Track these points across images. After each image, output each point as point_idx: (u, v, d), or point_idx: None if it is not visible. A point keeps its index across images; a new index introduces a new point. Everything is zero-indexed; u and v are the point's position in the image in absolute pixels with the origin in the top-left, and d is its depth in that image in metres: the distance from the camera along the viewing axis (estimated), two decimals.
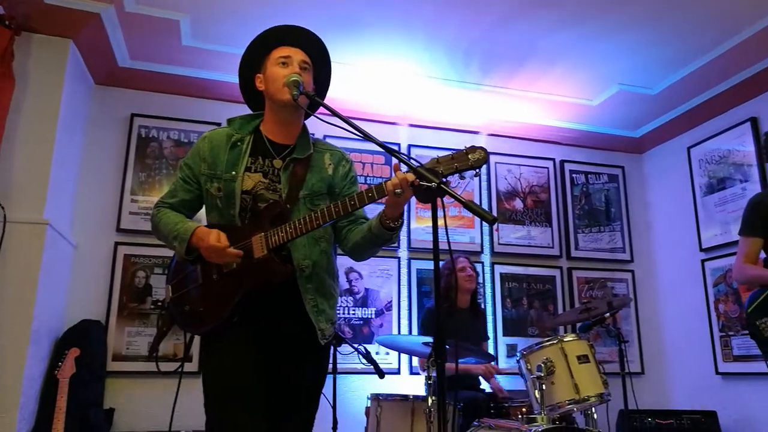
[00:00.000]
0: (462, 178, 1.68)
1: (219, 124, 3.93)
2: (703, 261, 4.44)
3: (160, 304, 2.03)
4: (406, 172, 1.71)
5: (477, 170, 1.66)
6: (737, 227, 4.12)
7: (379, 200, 1.77)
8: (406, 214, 4.45)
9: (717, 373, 4.23)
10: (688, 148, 4.65)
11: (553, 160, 4.96)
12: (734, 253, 4.12)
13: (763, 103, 4.08)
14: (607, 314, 3.27)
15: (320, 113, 1.94)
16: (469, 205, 1.51)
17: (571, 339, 2.79)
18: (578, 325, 3.64)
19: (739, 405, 4.03)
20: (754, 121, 4.12)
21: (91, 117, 3.97)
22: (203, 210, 2.06)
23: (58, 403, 3.01)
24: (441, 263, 3.69)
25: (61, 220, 3.49)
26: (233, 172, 1.93)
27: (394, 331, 4.22)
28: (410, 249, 4.42)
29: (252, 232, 1.85)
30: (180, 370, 2.01)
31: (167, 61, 3.98)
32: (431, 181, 1.58)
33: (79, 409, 3.26)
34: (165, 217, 1.99)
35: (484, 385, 3.79)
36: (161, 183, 3.98)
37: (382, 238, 1.87)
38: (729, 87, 4.17)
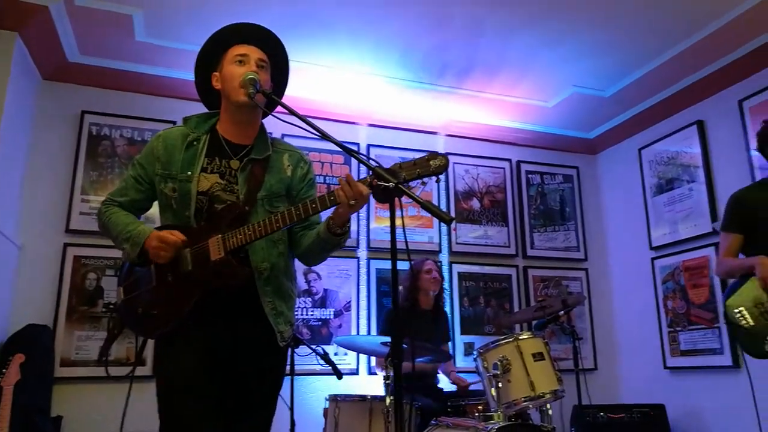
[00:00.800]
0: (423, 184, 1.70)
1: (174, 123, 3.85)
2: (653, 259, 4.58)
3: (111, 306, 1.97)
4: (365, 176, 1.73)
5: (438, 176, 1.69)
6: (685, 226, 4.31)
7: None
8: (365, 214, 4.45)
9: (665, 367, 4.38)
10: (639, 150, 4.80)
11: (510, 160, 5.04)
12: (682, 251, 4.32)
13: (709, 107, 4.23)
14: (562, 312, 3.34)
15: (279, 112, 1.92)
16: (426, 206, 1.52)
17: (527, 337, 2.84)
18: (534, 323, 3.70)
19: (686, 398, 4.18)
20: (700, 124, 4.27)
21: (38, 113, 3.82)
22: (155, 209, 2.01)
23: (2, 411, 2.88)
24: (407, 263, 3.77)
25: (5, 221, 3.35)
26: (189, 173, 1.89)
27: (353, 331, 4.21)
28: (369, 249, 4.42)
29: (208, 233, 1.82)
30: (131, 374, 1.96)
31: (120, 57, 3.87)
32: (389, 182, 1.59)
33: (24, 418, 3.13)
34: (115, 216, 1.94)
35: (442, 384, 3.83)
36: (114, 182, 3.86)
37: (330, 243, 1.88)
38: (677, 91, 4.32)
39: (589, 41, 3.81)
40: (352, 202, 1.72)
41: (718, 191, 4.09)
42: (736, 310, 2.68)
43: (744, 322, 2.65)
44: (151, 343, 1.95)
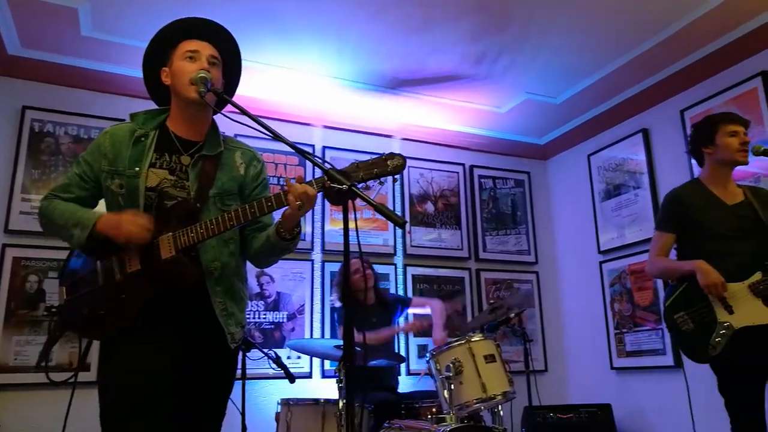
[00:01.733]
0: (381, 183, 1.71)
1: (123, 120, 3.72)
2: (600, 263, 4.71)
3: (54, 309, 1.90)
4: (319, 177, 1.72)
5: (395, 176, 1.71)
6: (631, 231, 4.45)
7: None
8: (320, 216, 4.42)
9: (612, 368, 4.51)
10: (588, 156, 4.93)
11: (463, 165, 5.09)
12: (628, 255, 4.46)
13: (653, 115, 4.39)
14: (513, 314, 3.39)
15: (231, 112, 1.89)
16: (379, 209, 1.52)
17: (479, 339, 2.86)
18: (485, 325, 3.75)
19: (631, 397, 4.31)
20: (645, 132, 4.43)
21: None
22: (101, 208, 1.95)
23: None
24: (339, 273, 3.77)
25: None
26: (136, 168, 1.83)
27: (307, 334, 4.17)
28: (324, 251, 4.39)
29: (158, 231, 1.77)
30: (73, 379, 1.88)
31: (65, 52, 3.73)
32: (342, 184, 1.58)
33: None
34: (62, 205, 1.86)
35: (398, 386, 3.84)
36: (57, 180, 3.71)
37: (279, 248, 1.87)
38: (624, 99, 4.48)
39: (541, 49, 3.90)
40: (299, 203, 1.70)
41: (662, 197, 4.23)
42: (677, 315, 2.67)
43: (685, 326, 2.63)
44: (94, 347, 1.89)
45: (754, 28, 3.59)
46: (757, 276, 2.52)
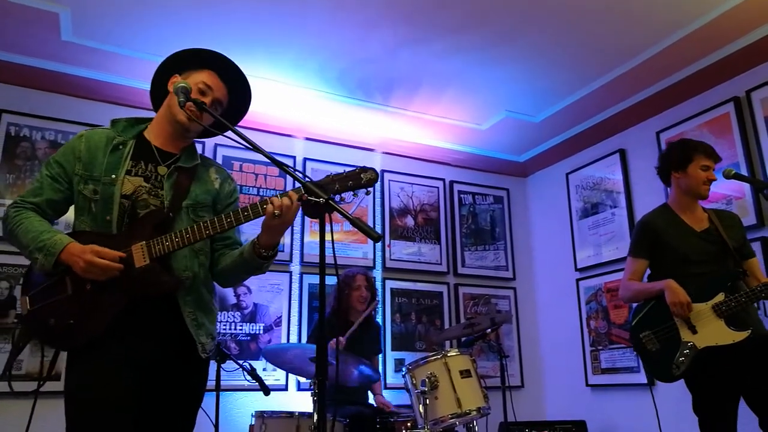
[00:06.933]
0: (355, 195, 1.75)
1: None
2: (577, 280, 4.76)
3: (16, 319, 1.87)
4: (296, 189, 1.73)
5: (369, 189, 1.77)
6: (608, 249, 4.51)
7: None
8: (299, 228, 4.41)
9: (587, 385, 4.54)
10: (567, 174, 4.99)
11: (443, 180, 5.13)
12: (604, 273, 4.51)
13: (630, 136, 4.47)
14: (489, 330, 3.41)
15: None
16: (355, 222, 1.53)
17: (455, 354, 2.87)
18: (462, 339, 3.76)
19: (605, 414, 4.34)
20: (622, 153, 4.50)
21: None
22: (70, 214, 1.92)
23: None
24: (341, 276, 3.75)
25: None
26: (113, 176, 1.83)
27: None
28: (303, 263, 4.37)
29: (131, 240, 1.76)
30: (37, 390, 1.84)
31: (45, 56, 3.70)
32: (320, 197, 1.59)
33: None
34: (27, 221, 1.81)
35: (372, 399, 3.81)
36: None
37: (252, 266, 1.87)
38: (601, 120, 4.56)
39: (521, 68, 3.95)
40: (277, 212, 1.71)
41: (638, 217, 4.30)
42: (642, 334, 2.71)
43: (650, 345, 2.67)
44: (63, 355, 1.86)
45: (727, 55, 3.69)
46: (720, 297, 2.58)
